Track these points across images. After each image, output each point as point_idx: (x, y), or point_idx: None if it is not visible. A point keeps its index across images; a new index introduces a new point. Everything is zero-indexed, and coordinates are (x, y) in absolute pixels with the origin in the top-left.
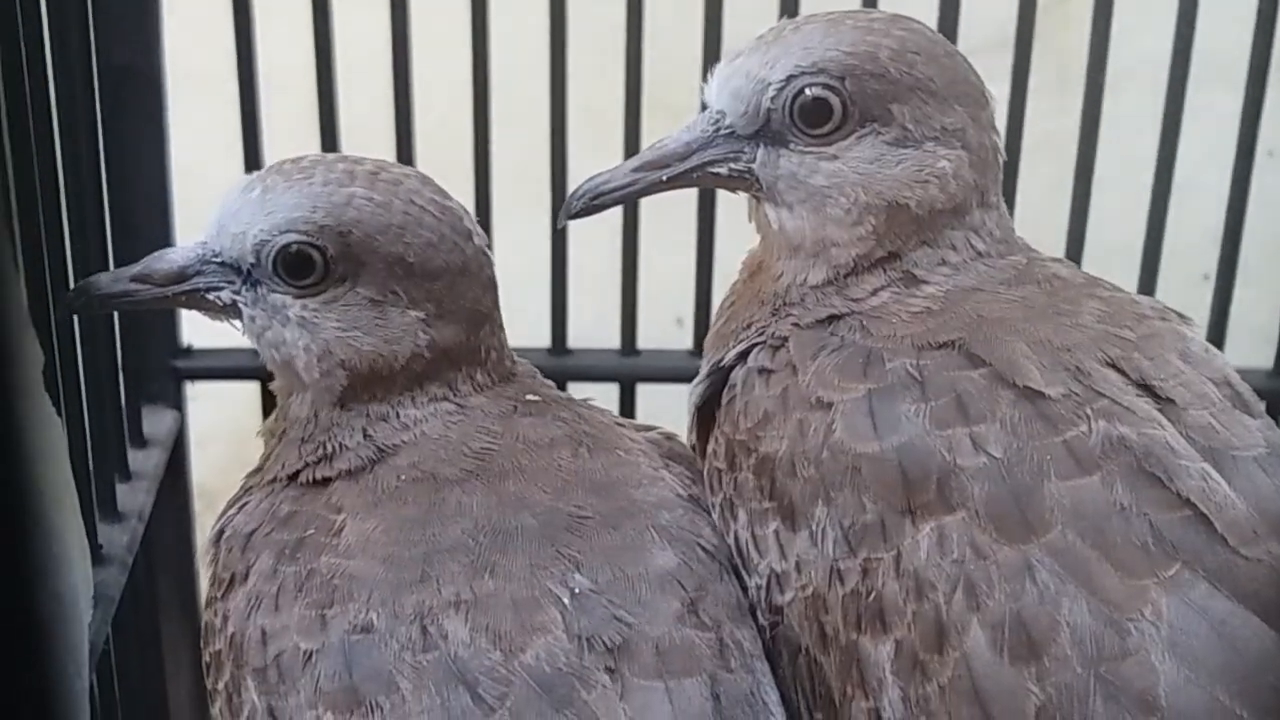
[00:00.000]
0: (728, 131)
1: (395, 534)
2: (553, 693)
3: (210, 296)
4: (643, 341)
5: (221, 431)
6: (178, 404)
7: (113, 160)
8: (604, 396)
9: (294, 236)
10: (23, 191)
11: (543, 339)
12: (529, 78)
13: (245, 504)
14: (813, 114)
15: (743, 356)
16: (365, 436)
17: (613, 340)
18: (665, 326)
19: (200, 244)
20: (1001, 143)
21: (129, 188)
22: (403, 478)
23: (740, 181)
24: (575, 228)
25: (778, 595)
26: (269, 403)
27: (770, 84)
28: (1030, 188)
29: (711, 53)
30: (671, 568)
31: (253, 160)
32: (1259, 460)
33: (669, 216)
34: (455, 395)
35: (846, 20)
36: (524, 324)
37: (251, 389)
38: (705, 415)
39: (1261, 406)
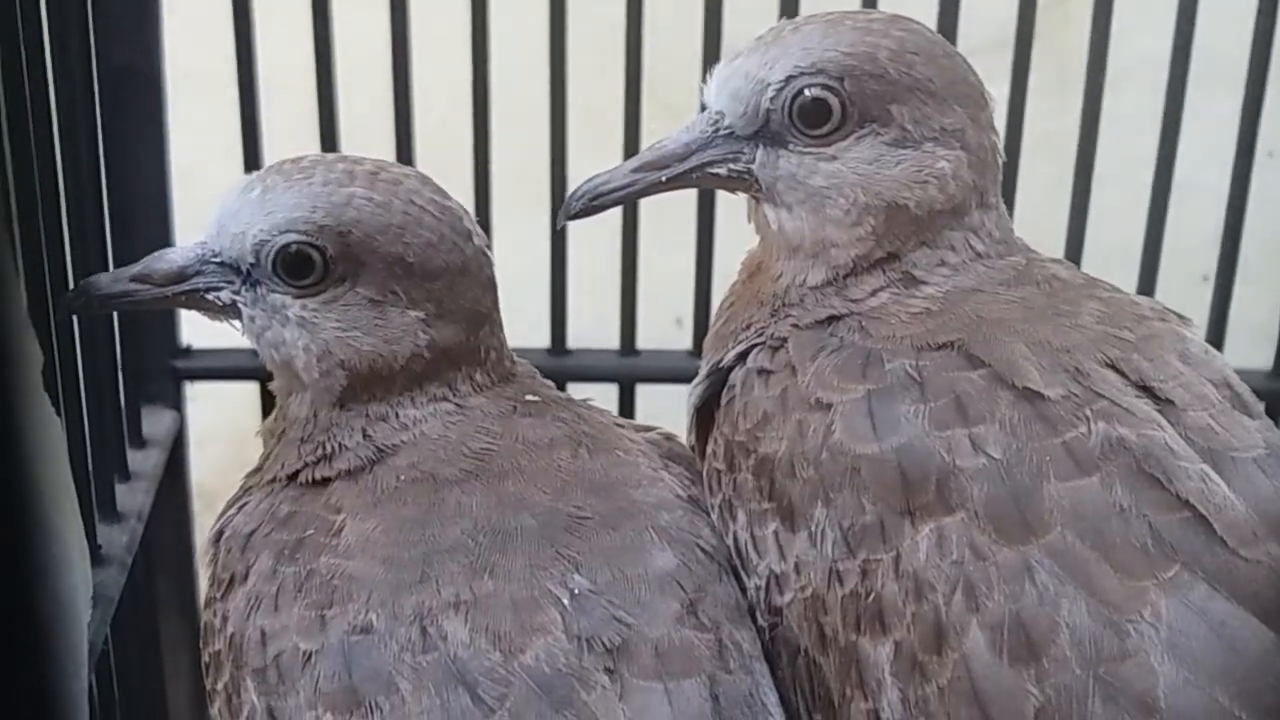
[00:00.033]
0: (727, 132)
1: (395, 534)
2: (552, 693)
3: (210, 296)
4: (642, 342)
5: (221, 432)
6: (177, 404)
7: (112, 160)
8: (603, 397)
9: (294, 236)
10: (22, 192)
11: (542, 339)
12: (529, 78)
13: (245, 504)
14: (812, 114)
15: (742, 357)
16: (365, 436)
17: (612, 341)
18: (664, 327)
19: (200, 244)
20: (1001, 143)
21: (128, 188)
22: (402, 478)
23: (739, 182)
24: (574, 228)
25: (777, 596)
26: (268, 403)
27: (769, 84)
28: (1030, 188)
29: (711, 53)
30: (671, 569)
31: (252, 160)
32: (1258, 461)
33: (668, 217)
34: (455, 395)
35: (845, 21)
36: (523, 324)
37: (250, 389)
38: (704, 416)
39: (1261, 407)
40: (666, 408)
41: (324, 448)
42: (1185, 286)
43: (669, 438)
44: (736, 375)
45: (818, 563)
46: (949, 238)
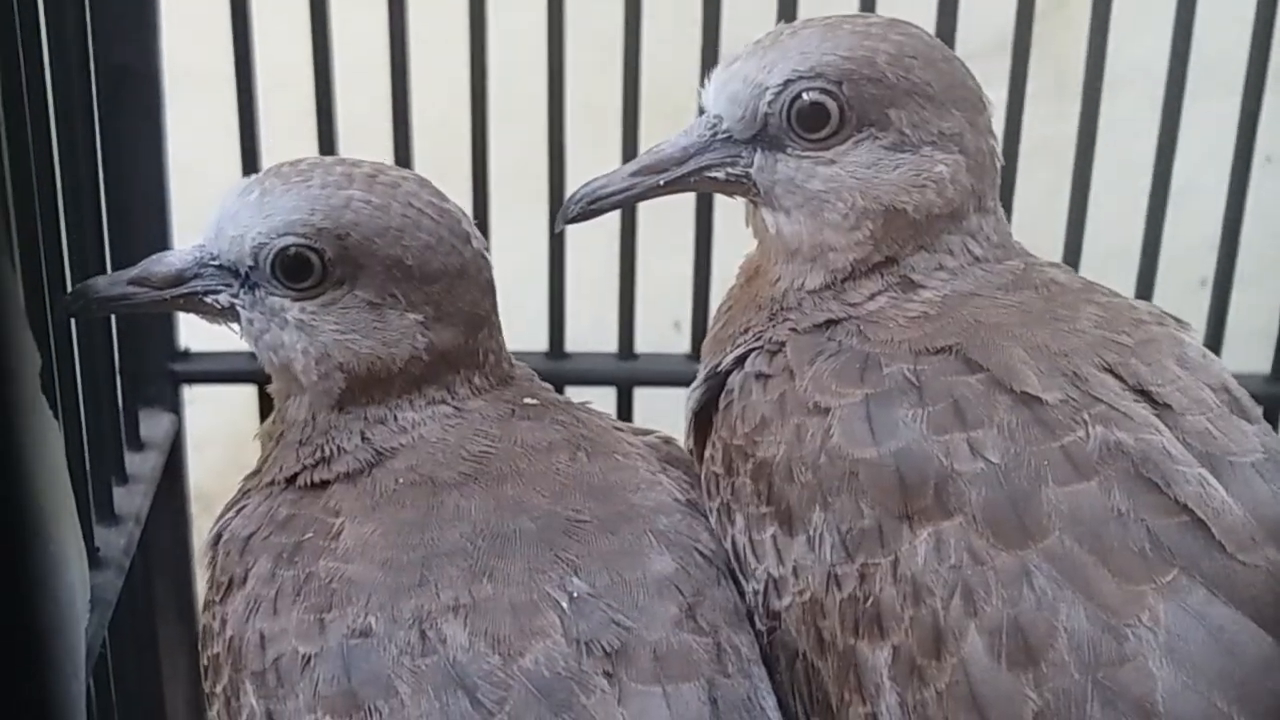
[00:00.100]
0: (725, 136)
1: (393, 538)
2: (551, 697)
3: (208, 299)
4: (640, 345)
5: (219, 435)
6: (175, 407)
7: (110, 160)
8: (601, 400)
9: (292, 239)
10: (20, 193)
11: (540, 342)
12: (527, 77)
13: (243, 507)
14: (810, 118)
15: (740, 361)
16: (363, 439)
17: (610, 344)
18: (663, 330)
19: (198, 247)
20: (999, 147)
21: (126, 187)
22: (400, 481)
23: (737, 186)
24: (573, 231)
25: (775, 600)
26: (266, 406)
27: (767, 88)
28: (1028, 192)
29: (709, 55)
30: (669, 573)
31: (250, 160)
32: (1256, 466)
33: (667, 221)
34: (453, 398)
35: (844, 25)
36: (522, 326)
37: (249, 392)
38: (703, 420)
39: (1259, 412)
40: (664, 411)
41: (322, 451)
42: (1183, 291)
43: (668, 441)
44: (735, 379)
45: (816, 567)
46: (947, 242)
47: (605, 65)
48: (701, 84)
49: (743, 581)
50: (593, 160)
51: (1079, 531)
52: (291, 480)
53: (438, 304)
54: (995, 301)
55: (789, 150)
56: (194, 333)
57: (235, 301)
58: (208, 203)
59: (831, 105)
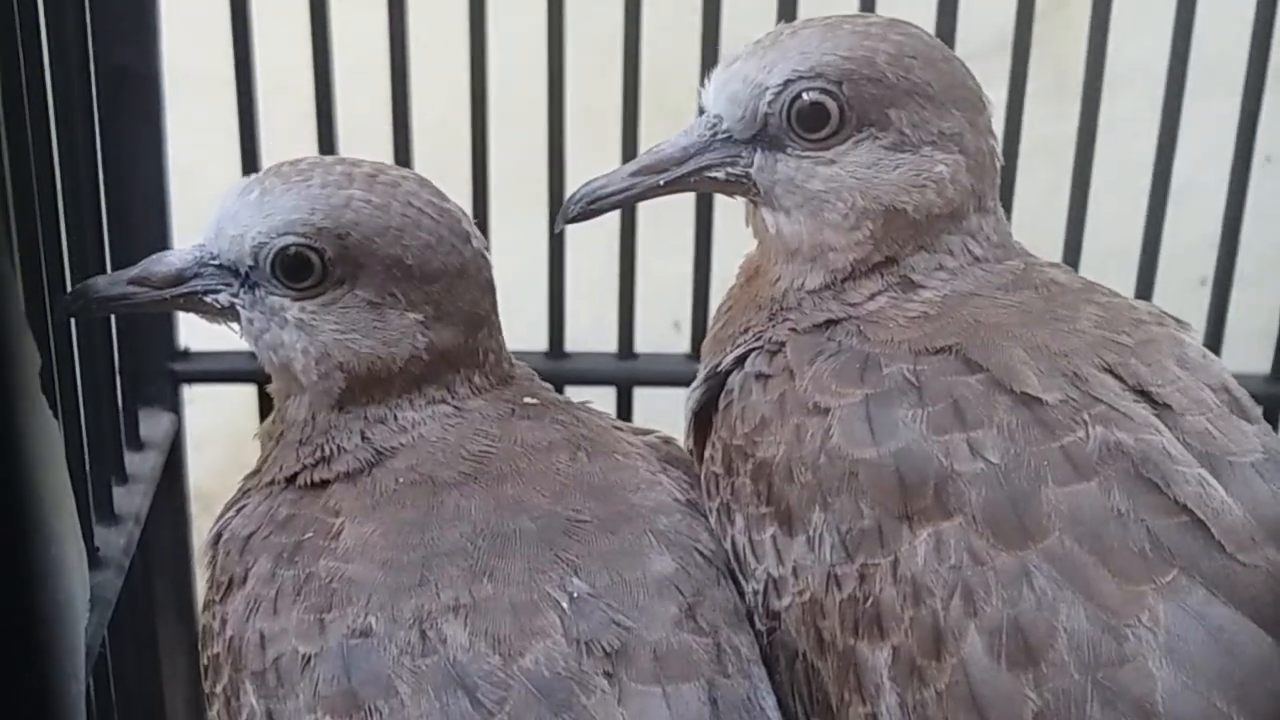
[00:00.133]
0: (725, 136)
1: (393, 537)
2: (551, 697)
3: (208, 299)
4: (640, 345)
5: (218, 434)
6: (174, 407)
7: (110, 161)
8: (601, 400)
9: (292, 239)
10: (20, 193)
11: (540, 342)
12: (527, 78)
13: (243, 507)
14: (810, 118)
15: (740, 361)
16: (363, 439)
17: (610, 344)
18: (663, 330)
19: (198, 246)
20: (999, 147)
21: (126, 189)
22: (401, 480)
23: (738, 186)
24: (573, 232)
25: (775, 600)
26: (266, 405)
27: (767, 88)
28: (1028, 192)
29: (709, 55)
30: (669, 573)
31: (250, 161)
32: (1256, 466)
33: (666, 220)
34: (453, 398)
35: (844, 25)
36: (522, 326)
37: (249, 392)
38: (702, 420)
39: (1258, 412)
40: (664, 411)
41: (322, 450)
42: (1183, 291)
43: (667, 441)
44: (734, 379)
45: (816, 567)
46: (947, 242)
47: (605, 68)
48: (701, 84)
49: (742, 582)
50: (592, 162)
51: (1079, 532)
52: (291, 480)
53: (438, 303)
54: (995, 301)
55: (789, 150)
56: (194, 333)
57: (235, 301)
58: (208, 204)
59: (831, 105)
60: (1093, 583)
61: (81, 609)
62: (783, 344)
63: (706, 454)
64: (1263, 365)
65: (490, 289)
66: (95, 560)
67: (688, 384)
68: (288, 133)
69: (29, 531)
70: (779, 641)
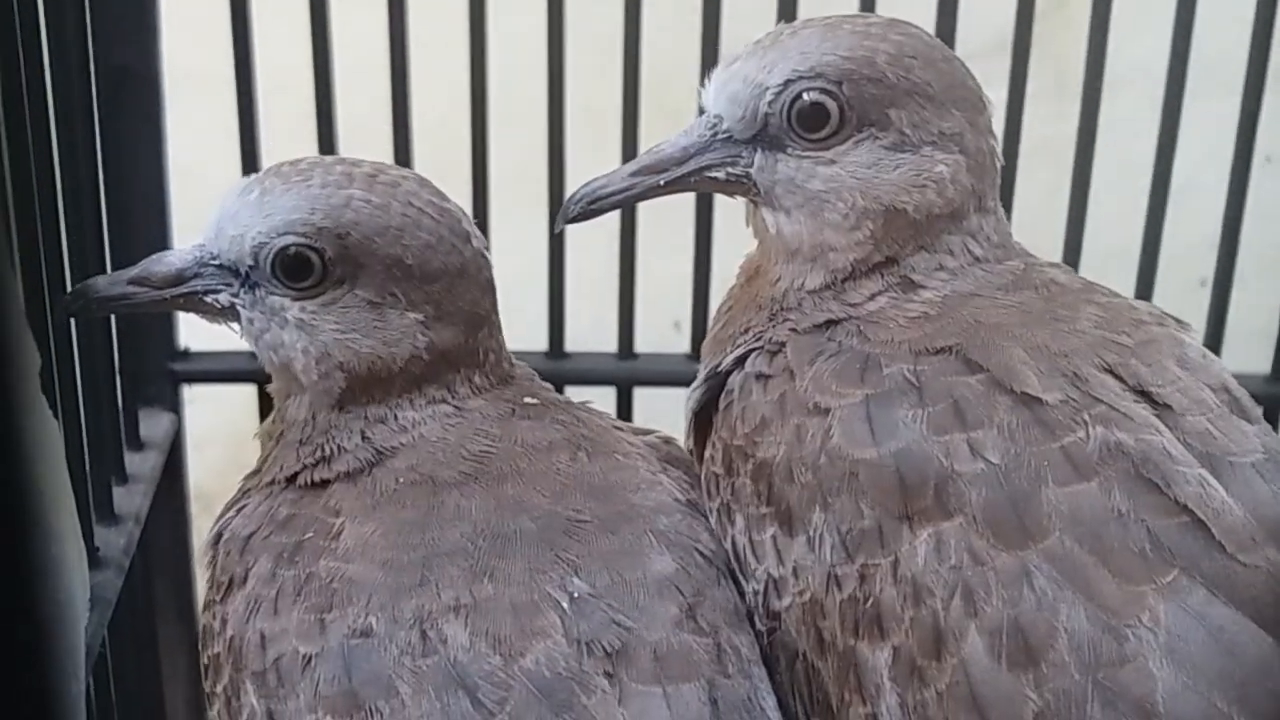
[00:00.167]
0: (725, 136)
1: (394, 537)
2: (552, 697)
3: (208, 299)
4: (640, 345)
5: (218, 434)
6: (174, 407)
7: (110, 161)
8: (601, 400)
9: (292, 239)
10: (20, 193)
11: (540, 342)
12: (527, 78)
13: (243, 506)
14: (810, 119)
15: (740, 362)
16: (363, 439)
17: (610, 344)
18: (663, 330)
19: (198, 246)
20: (999, 147)
21: (127, 189)
22: (401, 480)
23: (738, 186)
24: (573, 232)
25: (775, 601)
26: (266, 405)
27: (768, 89)
28: (1028, 192)
29: (709, 55)
30: (669, 573)
31: (250, 161)
32: (1256, 466)
33: (666, 220)
34: (453, 398)
35: (844, 25)
36: (522, 326)
37: (248, 392)
38: (703, 420)
39: (1259, 412)
40: (664, 411)
41: (322, 450)
42: (1183, 291)
43: (668, 441)
44: (735, 380)
45: (816, 567)
46: (947, 242)
47: (605, 68)
48: (701, 84)
49: (743, 582)
50: (592, 162)
51: (1079, 532)
52: (292, 480)
53: (438, 303)
54: (995, 302)
55: (789, 150)
56: (194, 332)
57: (235, 301)
58: (208, 204)
59: (831, 105)
60: (1093, 583)
61: (81, 609)
62: (783, 344)
63: (707, 454)
64: (1263, 365)
65: (490, 289)
66: (95, 560)
67: (688, 384)
68: (288, 133)
69: (29, 531)
70: (779, 642)
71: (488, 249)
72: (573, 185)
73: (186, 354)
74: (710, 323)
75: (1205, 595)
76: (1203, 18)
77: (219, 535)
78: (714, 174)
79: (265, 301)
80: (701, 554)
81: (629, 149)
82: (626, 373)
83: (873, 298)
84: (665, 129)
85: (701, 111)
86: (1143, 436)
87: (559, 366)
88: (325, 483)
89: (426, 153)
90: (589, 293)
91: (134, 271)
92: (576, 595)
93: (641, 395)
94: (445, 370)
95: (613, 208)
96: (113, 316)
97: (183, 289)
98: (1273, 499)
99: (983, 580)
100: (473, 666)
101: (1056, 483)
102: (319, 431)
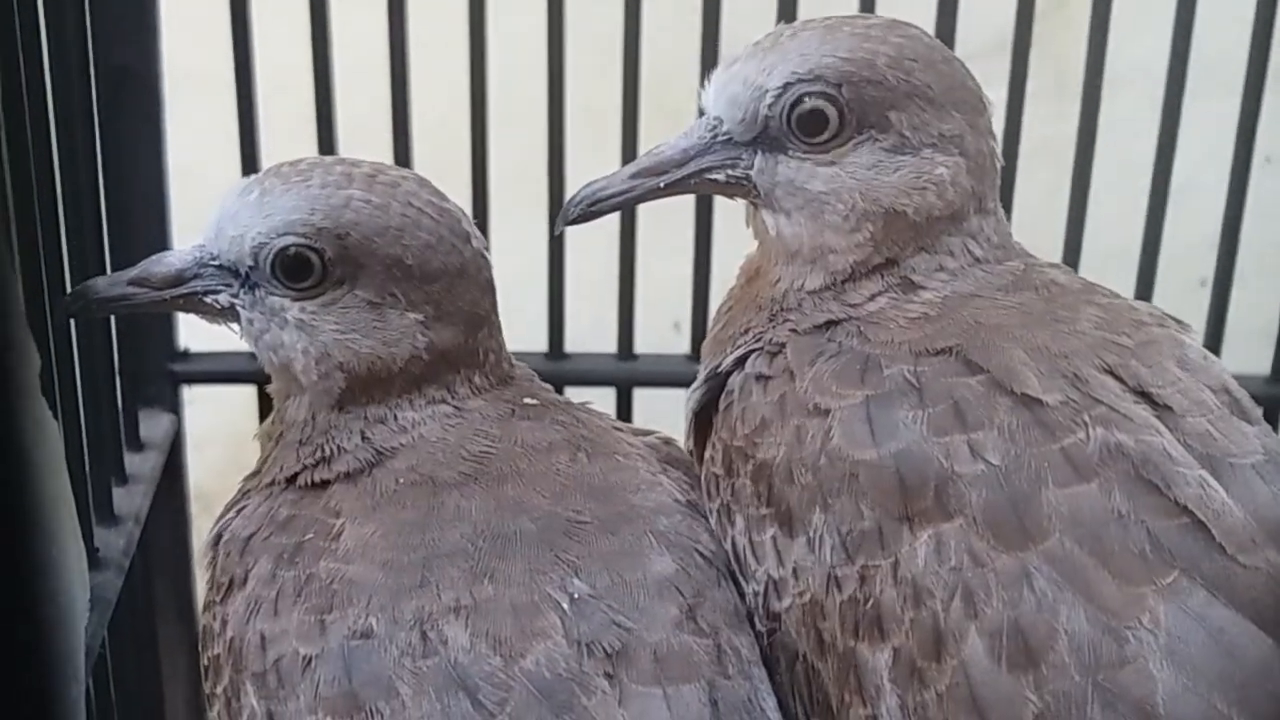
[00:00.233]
0: (725, 138)
1: (394, 538)
2: (552, 698)
3: (208, 299)
4: (640, 346)
5: (218, 435)
6: (174, 407)
7: (110, 161)
8: (601, 401)
9: (292, 239)
10: (20, 194)
11: (540, 342)
12: (527, 78)
13: (243, 507)
14: (810, 122)
15: (740, 362)
16: (363, 439)
17: (610, 345)
18: (663, 331)
19: (198, 247)
20: (999, 148)
21: (126, 189)
22: (401, 481)
23: (738, 188)
24: (573, 233)
25: (775, 602)
26: (266, 406)
27: (768, 91)
28: (1028, 193)
29: (709, 55)
30: (670, 573)
31: (250, 161)
32: (1256, 467)
33: (666, 222)
34: (453, 398)
35: (844, 26)
36: (522, 326)
37: (248, 392)
38: (703, 421)
39: (1259, 413)
40: (664, 412)
41: (322, 450)
42: (1183, 291)
43: (668, 442)
44: (735, 380)
45: (816, 568)
46: (947, 243)
47: (605, 68)
48: (701, 84)
49: (743, 583)
50: (592, 162)
51: (1079, 533)
52: (292, 480)
53: (438, 303)
54: (995, 303)
55: (789, 152)
56: (194, 333)
57: (235, 301)
58: (208, 204)
59: (831, 111)
60: (1093, 584)
61: (81, 609)
62: (783, 345)
63: (707, 455)
64: (1263, 366)
65: (490, 289)
66: (95, 560)
67: (688, 385)
68: (288, 133)
69: (29, 531)
70: (779, 643)
71: (487, 249)
72: (573, 185)
73: (186, 354)
74: (710, 323)
75: (1205, 597)
76: (1203, 18)
77: (219, 536)
78: (714, 176)
79: (265, 302)
80: (702, 555)
81: (629, 149)
82: (626, 373)
83: (873, 298)
84: (665, 129)
85: (701, 113)
86: (1143, 438)
87: (559, 367)
88: (325, 483)
89: (426, 153)
90: (589, 293)
91: (134, 272)
92: (577, 596)
93: (641, 396)
94: (445, 370)
95: (613, 209)
96: (113, 317)
97: (182, 289)
98: (1273, 500)
99: (983, 581)
100: (473, 667)
101: (1057, 484)
102: (319, 432)
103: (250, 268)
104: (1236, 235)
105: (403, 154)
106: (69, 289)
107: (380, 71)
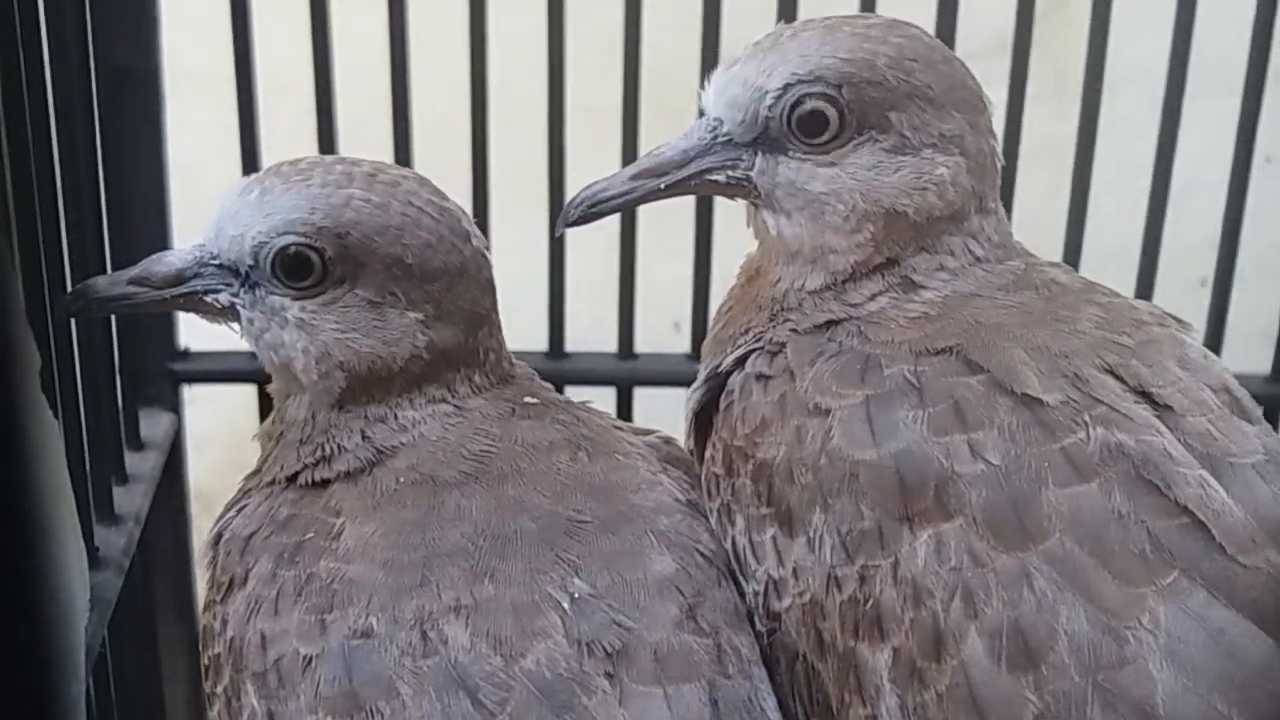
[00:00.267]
0: (725, 139)
1: (394, 538)
2: (553, 698)
3: (208, 299)
4: (640, 346)
5: (219, 434)
6: (175, 407)
7: (110, 161)
8: (601, 400)
9: (292, 238)
10: (20, 193)
11: (540, 342)
12: (527, 78)
13: (244, 507)
14: (810, 123)
15: (740, 362)
16: (363, 438)
17: (610, 344)
18: (663, 331)
19: (198, 246)
20: (999, 148)
21: (127, 188)
22: (401, 480)
23: (738, 189)
24: (573, 234)
25: (775, 601)
26: (266, 405)
27: (768, 92)
28: (1028, 193)
29: (709, 55)
30: (670, 573)
31: (250, 161)
32: (1257, 467)
33: (667, 222)
34: (453, 397)
35: (844, 27)
36: (522, 326)
37: (249, 392)
38: (703, 421)
39: (1259, 413)
40: (664, 411)
41: (323, 450)
42: (1183, 291)
43: (668, 441)
44: (735, 380)
45: (816, 568)
46: (948, 243)
47: (605, 68)
48: (701, 85)
49: (743, 582)
50: (592, 163)
51: (1079, 533)
52: (292, 480)
53: (438, 302)
54: (996, 302)
55: (790, 153)
56: (194, 332)
57: (235, 301)
58: (208, 204)
59: (831, 112)
60: (1093, 584)
61: (81, 608)
62: (783, 345)
63: (707, 455)
64: (1263, 365)
65: (490, 288)
66: (95, 559)
67: (688, 384)
68: (288, 133)
69: (29, 531)
70: (779, 642)
71: (488, 248)
72: (573, 185)
73: (186, 354)
74: (710, 323)
75: (1206, 597)
76: (1203, 18)
77: (219, 535)
78: (714, 177)
79: (265, 301)
80: (702, 554)
81: (629, 149)
82: (626, 373)
83: (873, 298)
84: (665, 129)
85: (701, 114)
86: (1143, 438)
87: (559, 366)
88: (325, 482)
89: (426, 153)
90: (589, 294)
91: (134, 271)
92: (577, 596)
93: (641, 395)
94: (445, 370)
95: (613, 211)
96: (113, 316)
97: (183, 289)
98: (1273, 500)
99: (983, 582)
100: (473, 667)
101: (1057, 484)
102: (319, 431)
103: (250, 267)
104: (1237, 235)
105: (403, 154)
106: (69, 288)
107: (380, 71)
